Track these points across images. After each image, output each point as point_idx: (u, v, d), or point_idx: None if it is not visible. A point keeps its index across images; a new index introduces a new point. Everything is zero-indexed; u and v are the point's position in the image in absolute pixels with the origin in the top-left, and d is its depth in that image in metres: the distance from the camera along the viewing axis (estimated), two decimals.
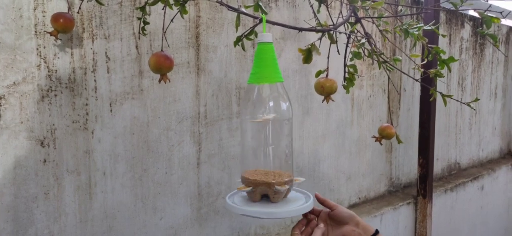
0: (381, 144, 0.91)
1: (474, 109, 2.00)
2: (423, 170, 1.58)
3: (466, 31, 1.99)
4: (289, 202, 0.78)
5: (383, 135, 0.88)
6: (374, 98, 1.52)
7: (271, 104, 0.81)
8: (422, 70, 0.92)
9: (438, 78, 0.88)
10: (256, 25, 0.75)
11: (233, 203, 0.77)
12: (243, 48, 0.76)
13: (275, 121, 0.80)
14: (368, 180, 1.55)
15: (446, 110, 1.92)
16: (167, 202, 1.00)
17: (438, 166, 1.93)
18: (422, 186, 1.59)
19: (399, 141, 0.89)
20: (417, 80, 1.02)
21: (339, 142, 1.41)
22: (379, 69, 0.95)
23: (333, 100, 0.81)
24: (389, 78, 0.91)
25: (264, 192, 0.76)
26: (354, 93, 1.45)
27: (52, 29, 0.72)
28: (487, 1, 1.61)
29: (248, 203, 0.77)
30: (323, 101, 0.81)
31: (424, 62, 0.86)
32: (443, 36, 0.86)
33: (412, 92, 1.70)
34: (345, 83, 0.90)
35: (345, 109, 1.42)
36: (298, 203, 0.75)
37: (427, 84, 1.54)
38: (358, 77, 1.46)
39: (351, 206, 1.48)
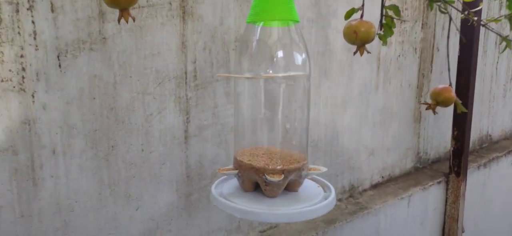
0: (435, 113, 0.66)
1: None
2: (458, 144, 1.33)
3: None
4: (298, 196, 0.55)
5: (438, 101, 0.63)
6: (404, 58, 1.26)
7: (280, 54, 0.56)
8: (476, 18, 0.66)
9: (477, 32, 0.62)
10: None
11: (221, 194, 0.54)
12: None
13: (286, 81, 0.56)
14: (393, 156, 1.31)
15: (480, 74, 1.66)
16: (145, 187, 0.77)
17: (469, 138, 1.68)
18: (456, 163, 1.35)
19: (460, 109, 0.64)
20: (458, 30, 0.75)
21: (361, 111, 1.17)
22: (431, 9, 0.68)
23: (368, 52, 0.56)
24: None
25: (254, 179, 0.53)
26: (381, 51, 1.19)
27: None
28: None
29: (239, 193, 0.54)
30: (355, 52, 0.56)
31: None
32: None
33: (446, 51, 1.43)
34: (382, 31, 0.65)
35: (370, 70, 1.17)
36: (309, 201, 0.52)
37: (469, 41, 1.28)
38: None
39: (374, 187, 1.25)
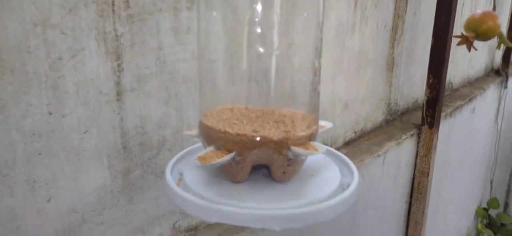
0: (471, 49, 0.48)
1: None
2: (433, 92, 1.22)
3: None
4: (305, 178, 0.36)
5: (479, 32, 0.45)
6: None
7: None
8: None
9: None
10: None
11: (187, 187, 0.33)
12: None
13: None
14: (366, 108, 1.16)
15: None
16: (59, 168, 0.52)
17: (445, 86, 1.59)
18: (429, 113, 1.24)
19: (505, 43, 0.47)
20: None
21: (337, 56, 0.98)
22: None
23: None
24: None
25: (259, 161, 0.33)
26: None
27: None
28: None
29: (221, 183, 0.34)
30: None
31: None
32: None
33: None
34: None
35: (347, 8, 0.97)
36: (329, 184, 0.33)
37: None
38: None
39: (347, 144, 1.11)
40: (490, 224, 2.33)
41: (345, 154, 1.01)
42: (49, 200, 0.52)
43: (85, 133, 0.54)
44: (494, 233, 2.25)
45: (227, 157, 0.32)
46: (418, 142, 1.29)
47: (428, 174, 1.28)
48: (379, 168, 1.11)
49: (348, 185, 0.34)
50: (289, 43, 0.37)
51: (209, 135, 0.35)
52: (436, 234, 1.68)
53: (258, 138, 0.32)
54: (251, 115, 0.35)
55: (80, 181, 0.54)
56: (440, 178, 1.51)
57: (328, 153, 0.42)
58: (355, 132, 1.14)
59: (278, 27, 0.36)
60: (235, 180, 0.35)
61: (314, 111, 0.38)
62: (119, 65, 0.55)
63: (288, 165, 0.33)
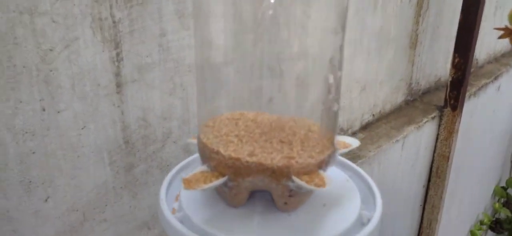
0: None
1: None
2: (458, 73, 1.14)
3: None
4: (315, 206, 0.31)
5: None
6: None
7: None
8: None
9: None
10: None
11: (181, 207, 0.29)
12: None
13: None
14: (385, 89, 1.10)
15: None
16: (56, 166, 0.49)
17: (471, 66, 1.50)
18: (453, 95, 1.17)
19: None
20: None
21: (356, 36, 0.91)
22: None
23: None
24: None
25: (256, 187, 0.28)
26: None
27: None
28: None
29: (218, 206, 0.30)
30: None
31: None
32: None
33: None
34: None
35: None
36: (344, 217, 0.28)
37: None
38: None
39: (364, 128, 1.05)
40: (507, 202, 2.27)
41: (362, 140, 0.94)
42: (46, 200, 0.49)
43: (83, 129, 0.50)
44: (511, 212, 2.20)
45: (217, 183, 0.28)
46: (439, 125, 1.22)
47: (448, 158, 1.22)
48: (397, 153, 1.05)
49: (369, 220, 0.29)
50: (293, 43, 0.32)
51: (202, 152, 0.30)
52: (452, 215, 1.63)
53: (253, 164, 0.27)
54: (255, 130, 0.30)
55: (79, 179, 0.51)
56: (459, 160, 1.45)
57: (350, 170, 0.37)
58: (373, 115, 1.08)
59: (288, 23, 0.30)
60: (231, 205, 0.30)
61: (330, 128, 0.32)
62: (117, 55, 0.50)
63: (290, 195, 0.29)
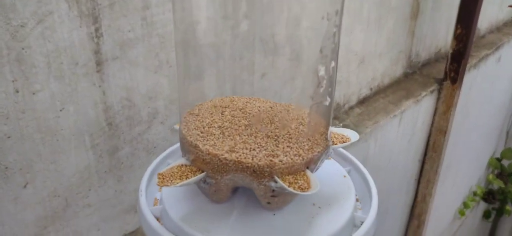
0: None
1: None
2: (460, 45, 1.10)
3: None
4: (304, 205, 0.28)
5: None
6: None
7: None
8: None
9: None
10: None
11: (162, 200, 0.26)
12: None
13: None
14: (384, 62, 1.06)
15: None
16: (34, 151, 0.46)
17: (474, 38, 1.45)
18: (453, 67, 1.13)
19: None
20: None
21: (356, 5, 0.87)
22: None
23: None
24: None
25: (237, 184, 0.25)
26: None
27: None
28: None
29: (199, 201, 0.27)
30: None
31: None
32: None
33: None
34: None
35: None
36: (335, 218, 0.26)
37: None
38: None
39: (361, 102, 1.02)
40: (501, 174, 2.28)
41: (359, 115, 0.91)
42: (25, 186, 0.46)
43: (61, 110, 0.46)
44: (505, 183, 2.21)
45: (193, 179, 0.25)
46: (438, 99, 1.20)
47: (445, 133, 1.20)
48: (394, 129, 1.03)
49: (362, 223, 0.27)
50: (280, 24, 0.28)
51: (182, 144, 0.28)
52: (446, 188, 1.64)
53: (232, 162, 0.24)
54: (241, 122, 0.27)
55: (60, 164, 0.48)
56: (456, 133, 1.44)
57: (350, 164, 0.34)
58: (371, 89, 1.05)
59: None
60: (213, 201, 0.28)
61: (322, 118, 0.29)
62: (97, 30, 0.46)
63: (273, 196, 0.26)
